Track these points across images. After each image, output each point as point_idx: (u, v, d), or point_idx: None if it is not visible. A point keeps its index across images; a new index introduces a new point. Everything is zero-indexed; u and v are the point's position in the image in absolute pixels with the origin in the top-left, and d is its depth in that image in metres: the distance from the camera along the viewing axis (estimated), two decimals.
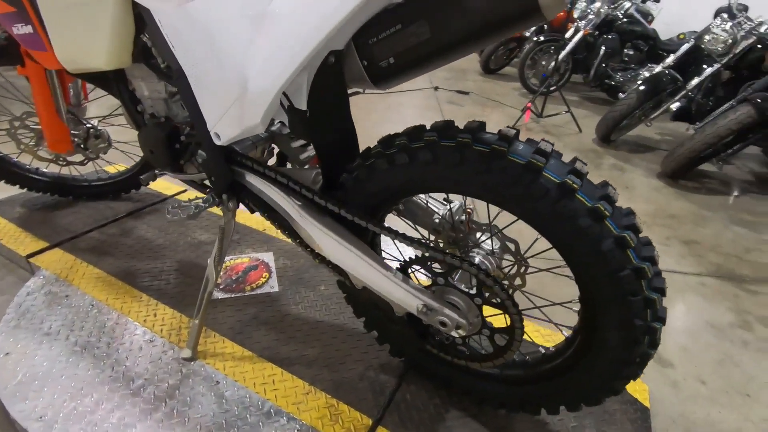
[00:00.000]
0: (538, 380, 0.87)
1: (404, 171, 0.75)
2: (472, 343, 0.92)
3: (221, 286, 1.32)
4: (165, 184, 1.83)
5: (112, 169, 1.73)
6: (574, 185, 0.62)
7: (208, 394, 1.00)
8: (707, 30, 2.80)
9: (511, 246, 0.86)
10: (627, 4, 4.19)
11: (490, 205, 0.73)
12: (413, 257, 0.84)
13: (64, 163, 1.52)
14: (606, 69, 4.20)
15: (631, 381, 0.74)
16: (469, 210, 0.91)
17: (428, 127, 0.75)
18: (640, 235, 0.66)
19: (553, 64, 4.10)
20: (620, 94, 4.32)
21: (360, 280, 0.87)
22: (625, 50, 4.21)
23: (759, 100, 2.32)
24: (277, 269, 1.41)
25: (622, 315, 0.66)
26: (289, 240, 1.49)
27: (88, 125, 1.43)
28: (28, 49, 0.98)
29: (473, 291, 0.80)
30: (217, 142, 0.86)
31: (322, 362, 1.11)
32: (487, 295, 0.79)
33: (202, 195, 1.04)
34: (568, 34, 4.38)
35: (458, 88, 4.50)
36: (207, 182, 1.07)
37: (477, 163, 0.67)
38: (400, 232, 0.81)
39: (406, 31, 0.66)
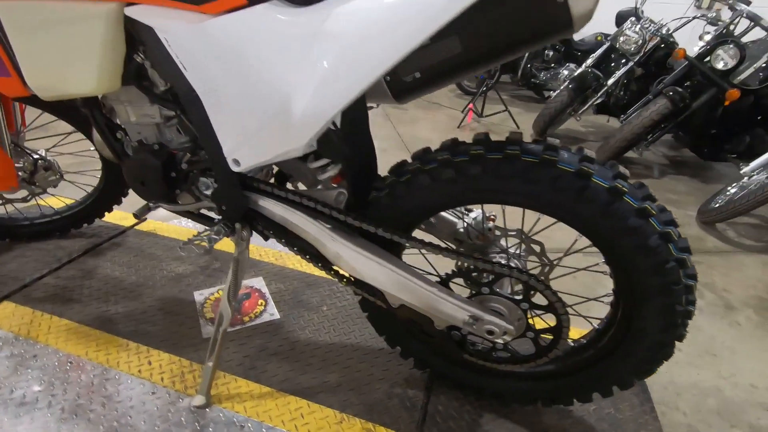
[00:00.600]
0: (572, 372, 0.92)
1: (448, 185, 0.75)
2: (511, 347, 0.94)
3: (212, 321, 1.22)
4: (121, 214, 1.65)
5: (56, 203, 1.53)
6: (624, 188, 0.67)
7: None
8: (621, 32, 3.13)
9: (537, 248, 0.90)
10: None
11: (502, 207, 0.75)
12: (455, 270, 0.84)
13: (2, 201, 1.32)
14: (531, 69, 4.52)
15: (665, 361, 0.81)
16: (492, 217, 0.93)
17: (470, 141, 0.75)
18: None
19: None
20: (545, 91, 4.69)
21: (399, 298, 0.85)
22: (546, 51, 4.56)
23: (671, 93, 2.65)
24: (272, 294, 1.34)
25: (664, 303, 0.72)
26: (275, 262, 1.43)
27: (35, 156, 1.25)
28: None
29: (519, 296, 0.82)
30: (235, 169, 0.80)
31: (347, 386, 1.07)
32: (533, 298, 0.81)
33: (205, 225, 0.95)
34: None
35: None
36: (210, 212, 0.99)
37: (526, 174, 0.69)
38: (442, 246, 0.81)
39: (436, 46, 0.66)
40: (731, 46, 2.51)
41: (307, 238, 0.87)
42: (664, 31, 3.11)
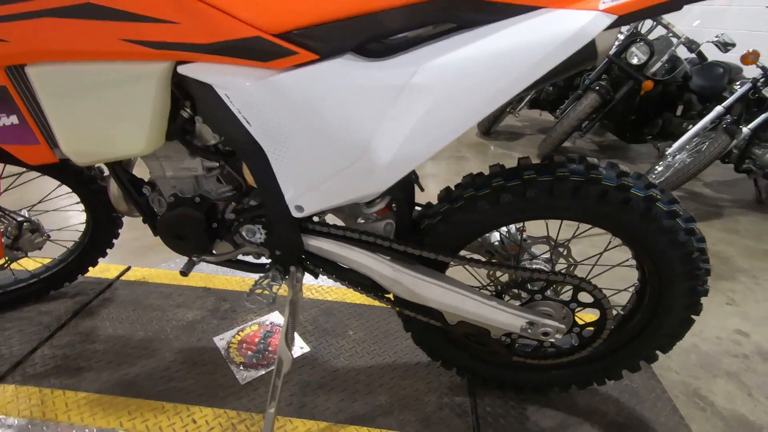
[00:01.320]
0: (605, 355, 1.04)
1: (503, 208, 0.82)
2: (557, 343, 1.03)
3: (245, 365, 1.19)
4: (101, 266, 1.53)
5: (30, 264, 1.37)
6: (657, 196, 0.78)
7: None
8: None
9: (564, 251, 1.00)
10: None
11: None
12: (511, 282, 0.92)
13: None
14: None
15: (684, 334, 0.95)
16: (523, 229, 1.02)
17: (518, 166, 0.83)
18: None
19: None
20: None
21: (458, 315, 0.91)
22: None
23: (598, 88, 2.97)
24: (298, 327, 1.33)
25: (689, 286, 0.86)
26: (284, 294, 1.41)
27: (20, 218, 1.12)
28: (3, 144, 0.74)
29: (568, 298, 0.91)
30: (298, 215, 0.80)
31: (398, 405, 1.11)
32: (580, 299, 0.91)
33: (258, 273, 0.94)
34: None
35: None
36: (247, 256, 0.97)
37: (576, 192, 0.79)
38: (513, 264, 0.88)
39: None
40: (641, 43, 2.88)
41: (363, 270, 0.90)
42: None
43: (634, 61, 2.92)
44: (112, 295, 1.42)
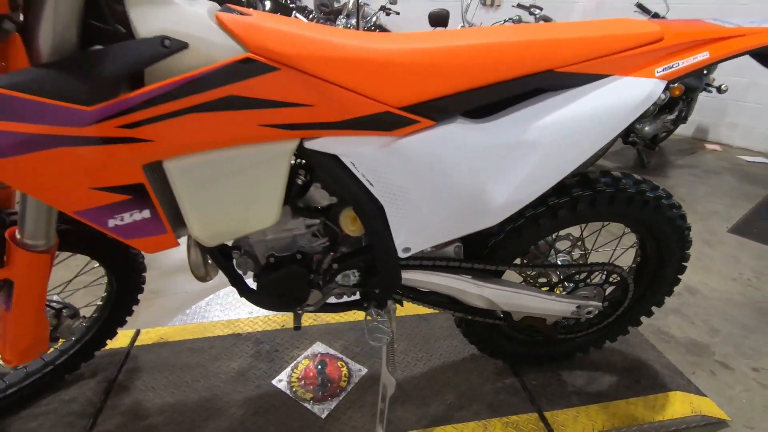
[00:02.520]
0: (618, 319, 1.31)
1: (560, 221, 1.01)
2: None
3: (315, 399, 1.24)
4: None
5: None
6: (662, 195, 1.04)
7: None
8: None
9: (579, 242, 1.24)
10: (370, 17, 4.98)
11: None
12: (564, 276, 1.12)
13: None
14: None
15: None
16: None
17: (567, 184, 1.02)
18: None
19: None
20: None
21: (524, 312, 1.09)
22: None
23: None
24: (344, 353, 1.40)
25: (680, 258, 1.15)
26: (313, 323, 1.47)
27: (57, 305, 1.01)
28: (128, 239, 0.71)
29: (601, 281, 1.15)
30: (403, 255, 0.90)
31: (465, 398, 1.26)
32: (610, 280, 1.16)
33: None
34: None
35: None
36: (350, 297, 1.04)
37: (610, 201, 1.01)
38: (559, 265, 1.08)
39: None
40: None
41: (446, 291, 1.03)
42: None
43: None
44: (137, 364, 1.34)
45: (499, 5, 5.43)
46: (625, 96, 0.78)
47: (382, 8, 4.66)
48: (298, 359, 1.37)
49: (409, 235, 0.88)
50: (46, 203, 0.67)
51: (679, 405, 1.28)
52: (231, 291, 1.69)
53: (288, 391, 1.26)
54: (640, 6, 2.84)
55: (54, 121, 0.59)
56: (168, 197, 0.73)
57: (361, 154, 0.77)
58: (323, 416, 1.19)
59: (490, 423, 1.19)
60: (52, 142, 0.60)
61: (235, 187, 0.73)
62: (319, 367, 1.34)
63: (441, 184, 0.82)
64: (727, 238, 2.38)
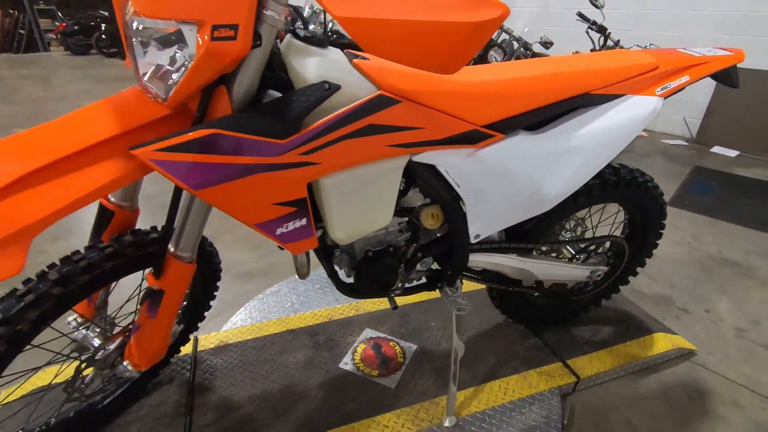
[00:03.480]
0: (614, 279, 1.63)
1: (579, 205, 1.29)
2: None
3: (381, 375, 1.43)
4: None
5: None
6: (649, 178, 1.35)
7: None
8: None
9: (585, 223, 1.54)
10: (331, 23, 5.11)
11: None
12: (581, 248, 1.41)
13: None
14: None
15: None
16: None
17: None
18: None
19: None
20: None
21: (553, 279, 1.36)
22: None
23: None
24: (392, 334, 1.60)
25: (659, 225, 1.48)
26: (356, 314, 1.66)
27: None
28: (286, 243, 0.86)
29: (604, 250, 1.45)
30: (473, 241, 1.13)
31: (503, 359, 1.52)
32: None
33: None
34: None
35: None
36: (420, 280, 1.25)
37: (615, 186, 1.30)
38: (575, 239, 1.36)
39: None
40: (497, 48, 3.70)
41: (498, 269, 1.27)
42: None
43: (494, 61, 3.73)
44: (208, 366, 1.45)
45: None
46: (637, 110, 1.06)
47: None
48: (355, 344, 1.55)
49: (481, 224, 1.11)
50: (234, 217, 0.81)
51: (662, 343, 1.63)
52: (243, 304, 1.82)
53: (356, 371, 1.44)
54: (581, 15, 3.27)
55: (258, 153, 0.74)
56: (319, 207, 0.90)
57: (452, 163, 0.99)
58: (393, 387, 1.39)
59: (528, 374, 1.46)
60: (255, 169, 0.75)
61: (366, 195, 0.91)
62: (376, 348, 1.54)
63: (509, 183, 1.05)
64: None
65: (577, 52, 3.28)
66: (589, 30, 3.25)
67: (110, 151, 0.72)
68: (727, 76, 1.18)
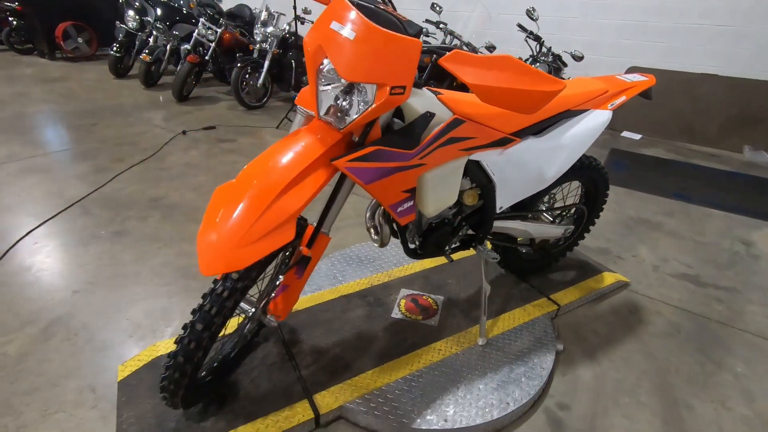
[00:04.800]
0: (574, 238, 2.25)
1: (559, 181, 1.85)
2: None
3: (423, 318, 1.91)
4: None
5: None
6: (600, 163, 1.96)
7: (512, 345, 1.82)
8: None
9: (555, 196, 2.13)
10: (284, 25, 5.36)
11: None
12: (558, 213, 1.98)
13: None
14: (302, 77, 5.41)
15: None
16: None
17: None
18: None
19: (260, 81, 4.98)
20: None
21: (541, 237, 1.93)
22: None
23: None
24: (423, 290, 2.09)
25: (605, 194, 2.11)
26: (386, 280, 2.12)
27: None
28: (400, 218, 1.29)
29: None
30: (498, 211, 1.64)
31: (506, 299, 2.07)
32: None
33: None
34: (255, 55, 5.24)
35: (181, 125, 4.62)
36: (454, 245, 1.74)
37: (581, 168, 1.88)
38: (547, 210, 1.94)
39: None
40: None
41: (507, 231, 1.81)
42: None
43: None
44: (290, 327, 1.83)
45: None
46: (598, 119, 1.64)
47: (297, 18, 5.10)
48: (397, 300, 2.02)
49: (504, 199, 1.62)
50: (379, 201, 1.23)
51: (608, 278, 2.29)
52: None
53: (405, 318, 1.91)
54: (520, 26, 3.92)
55: (399, 159, 1.18)
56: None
57: (491, 159, 1.48)
58: (436, 324, 1.88)
59: (525, 307, 2.03)
60: (396, 170, 1.19)
61: (446, 183, 1.37)
62: (414, 301, 2.01)
63: (524, 170, 1.58)
64: None
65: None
66: (528, 38, 3.91)
67: (321, 162, 1.12)
68: (646, 93, 1.80)
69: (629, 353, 1.88)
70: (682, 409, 1.65)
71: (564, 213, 2.06)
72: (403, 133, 1.20)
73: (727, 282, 2.43)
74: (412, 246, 1.59)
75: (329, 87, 1.11)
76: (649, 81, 1.78)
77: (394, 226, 1.55)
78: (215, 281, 1.19)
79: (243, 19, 6.58)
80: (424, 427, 1.44)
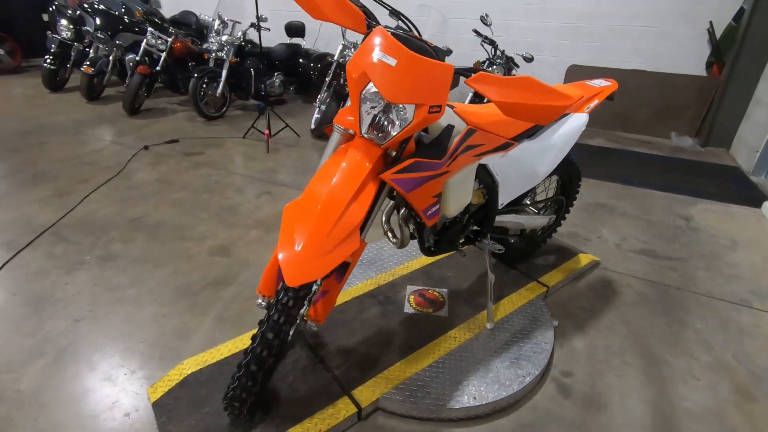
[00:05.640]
0: (555, 225, 2.50)
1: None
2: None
3: (434, 311, 2.07)
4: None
5: None
6: (575, 159, 2.22)
7: (534, 324, 2.02)
8: (343, 54, 4.58)
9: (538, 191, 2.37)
10: (239, 33, 5.30)
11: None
12: (542, 207, 2.21)
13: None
14: (262, 85, 5.37)
15: None
16: None
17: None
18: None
19: (219, 90, 4.94)
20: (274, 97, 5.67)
21: (531, 227, 2.16)
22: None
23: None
24: (426, 285, 2.25)
25: (578, 186, 2.38)
26: (391, 279, 2.26)
27: None
28: (428, 220, 1.43)
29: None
30: (500, 207, 1.84)
31: (500, 285, 2.28)
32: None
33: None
34: (212, 64, 5.15)
35: (140, 140, 4.48)
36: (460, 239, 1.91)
37: (564, 165, 2.13)
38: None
39: None
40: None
41: (504, 224, 2.01)
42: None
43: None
44: (312, 332, 1.92)
45: None
46: (578, 121, 1.87)
47: (252, 25, 5.09)
48: (406, 296, 2.16)
49: (505, 196, 1.81)
50: (414, 207, 1.36)
51: (584, 259, 2.58)
52: None
53: (418, 312, 2.06)
54: (476, 31, 4.19)
55: (432, 168, 1.32)
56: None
57: (495, 162, 1.67)
58: (446, 315, 2.05)
59: (519, 291, 2.24)
60: (430, 178, 1.33)
61: (464, 185, 1.53)
62: (422, 296, 2.17)
63: (522, 169, 1.78)
64: None
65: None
66: (483, 43, 4.19)
67: (370, 177, 1.23)
68: (611, 96, 2.08)
69: (611, 322, 2.16)
70: (661, 364, 1.93)
71: (547, 204, 2.31)
72: (433, 145, 1.34)
73: (676, 253, 2.81)
74: (427, 245, 1.74)
75: (372, 108, 1.24)
76: (613, 86, 2.06)
77: (411, 227, 1.69)
78: (260, 297, 1.29)
79: (189, 26, 6.38)
80: (457, 407, 1.59)
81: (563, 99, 1.24)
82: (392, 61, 1.16)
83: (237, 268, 2.45)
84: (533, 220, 2.13)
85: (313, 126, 4.67)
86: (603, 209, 3.39)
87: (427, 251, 1.75)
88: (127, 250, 2.58)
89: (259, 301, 1.49)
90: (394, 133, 1.24)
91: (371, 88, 1.21)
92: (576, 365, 1.89)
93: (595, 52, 5.29)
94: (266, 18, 5.19)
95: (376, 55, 1.17)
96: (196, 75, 4.78)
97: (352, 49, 4.60)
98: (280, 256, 1.12)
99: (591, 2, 5.09)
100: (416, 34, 1.39)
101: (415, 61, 1.16)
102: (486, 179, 1.70)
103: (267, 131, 4.27)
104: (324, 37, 6.56)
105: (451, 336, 1.93)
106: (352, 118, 1.30)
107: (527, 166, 1.79)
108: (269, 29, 5.30)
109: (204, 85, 4.94)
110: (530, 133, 1.77)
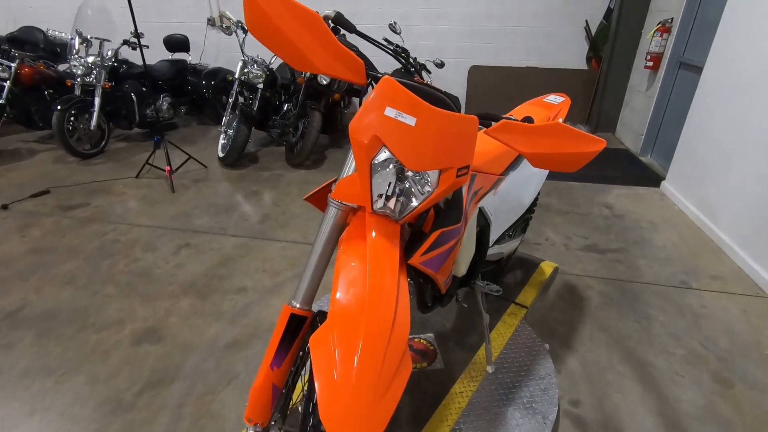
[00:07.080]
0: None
1: None
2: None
3: (428, 365, 1.88)
4: None
5: None
6: None
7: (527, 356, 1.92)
8: (246, 71, 4.10)
9: None
10: (108, 52, 4.48)
11: None
12: (516, 229, 2.13)
13: None
14: (145, 111, 4.61)
15: None
16: None
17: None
18: None
19: (94, 123, 4.20)
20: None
21: (510, 251, 2.07)
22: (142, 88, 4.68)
23: (314, 107, 4.09)
24: (411, 334, 2.03)
25: (536, 201, 2.36)
26: None
27: None
28: (445, 287, 1.20)
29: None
30: (491, 243, 1.70)
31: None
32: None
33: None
34: (78, 92, 4.31)
35: (20, 193, 3.58)
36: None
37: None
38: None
39: None
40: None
41: (492, 258, 1.88)
42: (267, 64, 4.35)
43: (324, 82, 4.19)
44: None
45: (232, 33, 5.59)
46: None
47: (125, 42, 4.38)
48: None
49: (495, 234, 1.67)
50: (437, 282, 1.12)
51: (547, 269, 2.59)
52: None
53: (414, 371, 1.84)
54: (386, 40, 4.03)
55: (455, 235, 1.10)
56: None
57: (488, 202, 1.50)
58: (443, 366, 1.86)
59: (504, 320, 2.15)
60: (454, 247, 1.11)
61: (470, 239, 1.33)
62: (411, 348, 1.95)
63: (510, 200, 1.65)
64: None
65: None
66: (396, 50, 4.06)
67: (400, 265, 0.97)
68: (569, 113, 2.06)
69: (590, 332, 2.18)
70: (647, 366, 1.98)
71: (518, 225, 2.25)
72: (451, 207, 1.13)
73: (614, 244, 2.99)
74: (430, 304, 1.53)
75: (387, 177, 0.97)
76: (567, 101, 2.05)
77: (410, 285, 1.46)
78: None
79: (36, 45, 5.25)
80: None
81: (595, 144, 1.11)
82: (411, 121, 0.91)
83: (177, 356, 1.98)
84: (510, 246, 2.04)
85: (221, 154, 4.13)
86: (539, 208, 3.50)
87: (424, 308, 1.54)
88: (9, 360, 1.93)
89: (249, 431, 1.14)
90: (415, 204, 1.00)
91: (384, 153, 0.95)
92: (579, 390, 1.85)
93: (493, 52, 5.52)
94: (143, 34, 4.44)
95: (390, 113, 0.91)
96: (60, 107, 3.90)
97: (255, 66, 4.15)
98: (321, 408, 0.81)
99: (487, 4, 5.28)
100: (421, 78, 1.15)
101: (437, 117, 0.93)
102: (480, 221, 1.53)
103: (168, 167, 3.64)
104: (210, 50, 5.90)
105: (456, 392, 1.75)
106: (354, 188, 1.03)
107: (514, 197, 1.68)
108: (147, 46, 4.55)
109: (72, 118, 4.07)
110: (516, 165, 1.65)
